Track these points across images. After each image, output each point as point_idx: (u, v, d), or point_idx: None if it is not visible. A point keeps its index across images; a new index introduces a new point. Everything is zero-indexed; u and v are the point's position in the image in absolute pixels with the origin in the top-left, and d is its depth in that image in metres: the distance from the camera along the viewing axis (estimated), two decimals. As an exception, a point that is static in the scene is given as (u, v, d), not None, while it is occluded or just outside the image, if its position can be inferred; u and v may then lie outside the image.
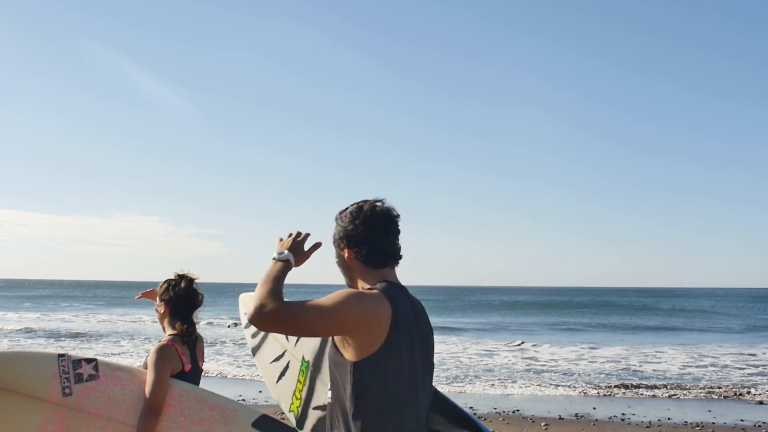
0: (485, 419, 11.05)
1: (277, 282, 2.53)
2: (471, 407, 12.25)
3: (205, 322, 35.77)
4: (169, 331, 3.73)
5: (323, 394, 3.42)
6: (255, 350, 3.84)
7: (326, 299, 2.42)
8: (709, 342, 27.39)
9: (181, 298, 3.77)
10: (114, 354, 20.81)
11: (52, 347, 23.28)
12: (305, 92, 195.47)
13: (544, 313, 54.60)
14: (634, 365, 19.23)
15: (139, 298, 4.09)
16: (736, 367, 18.92)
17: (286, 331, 2.45)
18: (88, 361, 3.56)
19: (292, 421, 3.52)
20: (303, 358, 3.51)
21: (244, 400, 12.13)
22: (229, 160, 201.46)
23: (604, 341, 27.34)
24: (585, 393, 14.37)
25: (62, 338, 26.84)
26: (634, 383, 15.70)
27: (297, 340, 3.57)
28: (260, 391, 13.37)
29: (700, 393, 14.33)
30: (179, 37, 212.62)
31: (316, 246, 2.84)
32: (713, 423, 10.96)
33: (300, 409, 3.49)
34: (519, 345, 24.97)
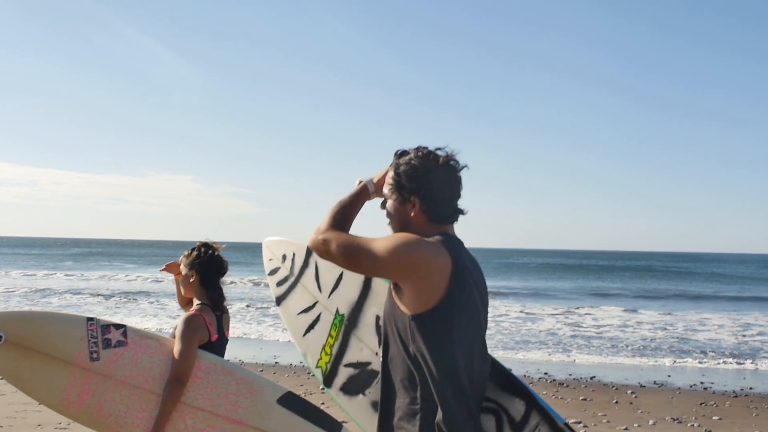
0: (565, 385, 11.13)
1: (344, 208, 2.51)
2: (546, 372, 12.34)
3: (231, 282, 36.14)
4: (197, 302, 3.72)
5: (358, 351, 3.29)
6: (280, 300, 3.61)
7: (384, 239, 2.32)
8: (750, 310, 27.29)
9: (210, 266, 3.77)
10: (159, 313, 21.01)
11: (101, 306, 23.56)
12: (337, 47, 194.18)
13: (579, 276, 54.45)
14: (683, 333, 19.21)
15: (162, 270, 4.06)
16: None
17: (336, 262, 2.38)
18: (117, 326, 3.56)
19: (318, 378, 3.39)
20: (337, 311, 3.35)
21: (241, 362, 12.18)
22: (260, 118, 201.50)
23: (646, 307, 27.31)
24: (656, 361, 14.37)
25: (112, 297, 26.86)
26: (690, 350, 15.73)
27: (331, 291, 3.39)
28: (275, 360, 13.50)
29: (764, 364, 14.29)
30: (200, 19, 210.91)
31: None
32: (799, 393, 10.99)
33: (329, 365, 3.34)
34: (565, 311, 25.01)
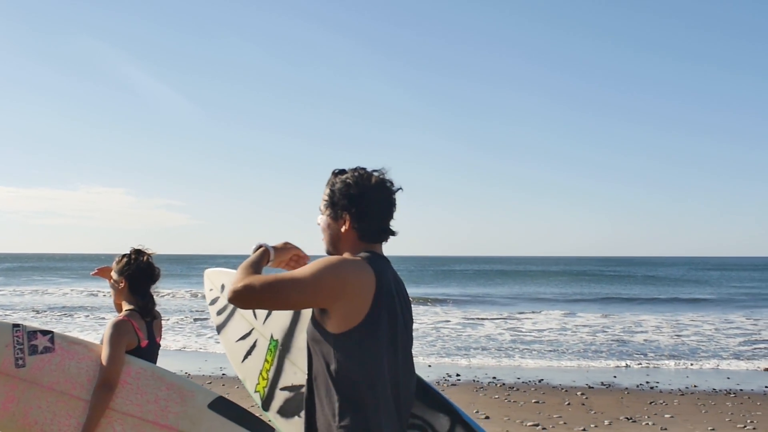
0: (515, 388, 11.11)
1: (253, 265, 2.53)
2: (494, 377, 12.31)
3: (168, 293, 35.28)
4: (126, 307, 3.70)
5: (292, 374, 3.35)
6: (220, 328, 3.70)
7: (305, 269, 2.34)
8: (684, 311, 28.00)
9: (140, 272, 3.75)
10: (99, 326, 20.31)
11: (36, 321, 22.60)
12: (275, 67, 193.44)
13: (516, 282, 54.95)
14: (621, 335, 19.51)
15: (94, 274, 4.03)
16: (723, 335, 19.37)
17: (263, 306, 2.39)
18: (44, 333, 3.51)
19: (257, 402, 3.43)
20: (272, 337, 3.40)
21: (188, 374, 11.92)
22: (195, 132, 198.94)
23: (583, 311, 27.68)
24: (600, 363, 14.49)
25: (47, 312, 25.87)
26: (631, 352, 15.96)
27: (266, 318, 3.45)
28: (222, 371, 13.20)
29: (706, 362, 14.58)
30: (146, 14, 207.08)
31: (301, 259, 2.80)
32: (741, 390, 11.20)
33: (266, 389, 3.41)
34: (503, 317, 25.17)
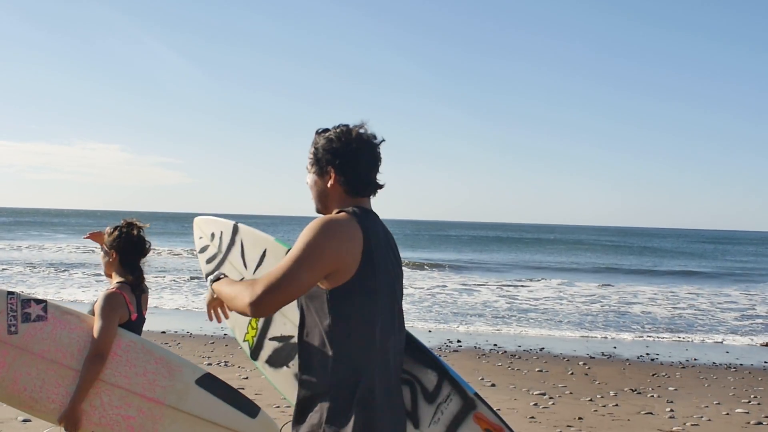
0: (517, 356, 11.17)
1: (236, 283, 2.49)
2: (495, 344, 12.36)
3: (165, 251, 35.27)
4: (117, 279, 3.72)
5: (281, 325, 3.40)
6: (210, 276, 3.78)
7: (297, 246, 2.33)
8: (679, 284, 28.14)
9: (131, 246, 3.75)
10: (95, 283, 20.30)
11: (34, 277, 22.58)
12: (277, 30, 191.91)
13: (512, 249, 55.07)
14: (618, 306, 19.60)
15: (86, 238, 4.03)
16: (718, 309, 19.50)
17: (288, 300, 2.33)
18: (38, 301, 3.55)
19: (246, 351, 3.50)
20: None
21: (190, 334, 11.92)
22: (192, 91, 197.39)
23: (579, 280, 27.76)
24: (600, 334, 14.55)
25: (44, 267, 25.62)
26: (628, 323, 16.04)
27: (256, 267, 3.50)
28: (224, 331, 13.24)
29: (704, 336, 14.66)
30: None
31: (216, 318, 2.73)
32: (741, 365, 11.29)
33: (255, 339, 3.47)
34: (499, 284, 25.27)
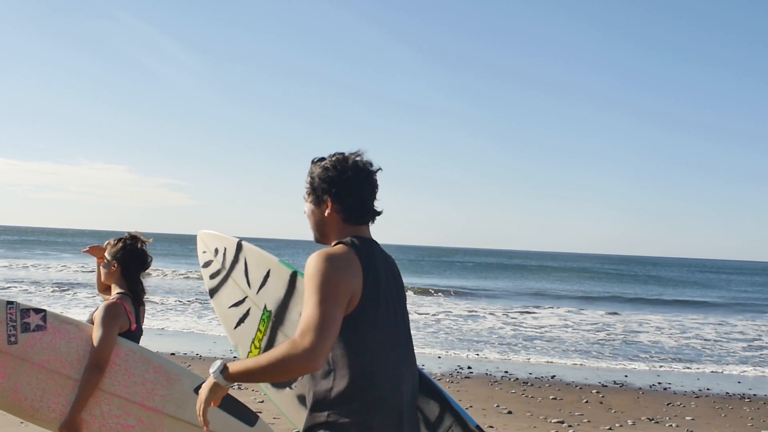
0: (529, 384, 11.10)
1: (269, 356, 2.27)
2: (506, 371, 12.29)
3: (170, 271, 35.18)
4: (117, 290, 3.74)
5: None
6: (213, 292, 3.74)
7: (317, 289, 2.28)
8: (685, 313, 28.05)
9: (134, 258, 3.79)
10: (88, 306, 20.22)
11: (38, 296, 22.50)
12: (287, 52, 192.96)
13: (517, 276, 54.85)
14: (624, 335, 19.48)
15: (85, 251, 4.04)
16: (725, 339, 19.42)
17: (332, 341, 2.25)
18: (37, 311, 3.57)
19: None
20: (265, 307, 3.45)
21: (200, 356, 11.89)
22: (200, 112, 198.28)
23: (584, 309, 27.65)
24: (610, 363, 14.45)
25: (49, 286, 25.66)
26: (637, 353, 15.95)
27: (259, 288, 3.50)
28: (234, 354, 13.20)
29: (714, 366, 14.58)
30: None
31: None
32: (755, 395, 11.22)
33: None
34: (504, 311, 25.18)
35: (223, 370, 2.31)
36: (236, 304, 3.58)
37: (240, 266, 3.61)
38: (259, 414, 3.72)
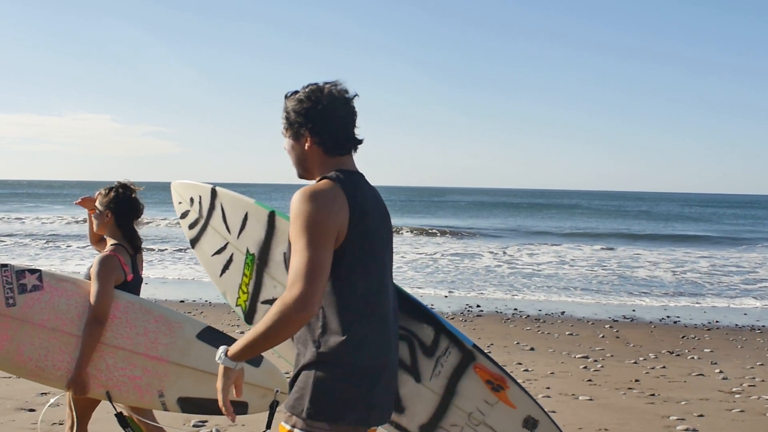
0: (542, 320, 11.15)
1: (264, 320, 2.22)
2: (515, 309, 12.34)
3: (159, 220, 34.98)
4: (111, 241, 3.75)
5: (272, 288, 3.37)
6: (194, 242, 3.69)
7: (303, 232, 2.23)
8: (678, 247, 28.27)
9: (126, 207, 3.79)
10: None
11: (34, 248, 22.28)
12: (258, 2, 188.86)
13: (509, 215, 54.76)
14: (621, 270, 19.62)
15: (77, 203, 4.04)
16: (721, 272, 19.62)
17: (325, 287, 2.22)
18: (32, 271, 3.59)
19: (240, 315, 3.47)
20: (248, 251, 3.40)
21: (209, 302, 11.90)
22: (181, 60, 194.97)
23: (579, 245, 27.77)
24: (616, 298, 14.54)
25: (43, 239, 25.43)
26: (637, 287, 16.07)
27: (239, 232, 3.44)
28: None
29: (717, 299, 14.70)
30: None
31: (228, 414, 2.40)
32: (764, 326, 11.34)
33: (248, 303, 3.44)
34: (499, 249, 25.26)
35: (225, 353, 2.31)
36: (219, 252, 3.55)
37: (217, 213, 3.56)
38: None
